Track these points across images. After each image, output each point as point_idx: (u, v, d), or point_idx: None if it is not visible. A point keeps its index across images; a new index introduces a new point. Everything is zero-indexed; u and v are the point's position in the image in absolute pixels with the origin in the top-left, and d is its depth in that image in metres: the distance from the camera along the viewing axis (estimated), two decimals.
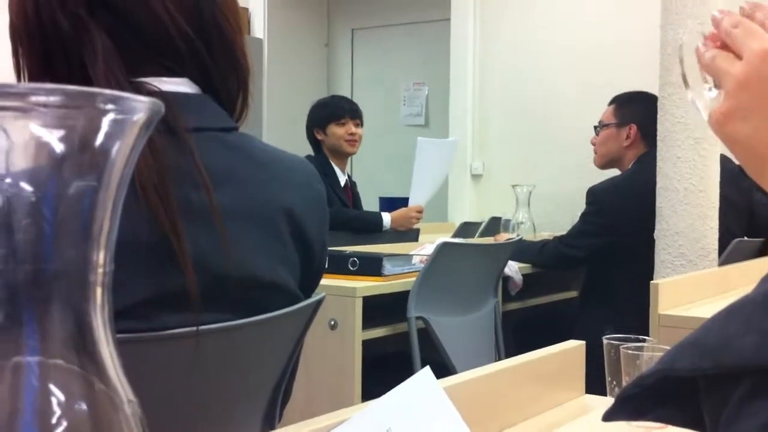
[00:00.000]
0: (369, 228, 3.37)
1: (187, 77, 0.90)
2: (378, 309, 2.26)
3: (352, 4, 5.79)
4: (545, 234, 3.36)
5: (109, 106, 0.36)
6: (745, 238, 2.81)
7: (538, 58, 4.43)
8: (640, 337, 1.05)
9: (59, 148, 0.37)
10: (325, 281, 2.18)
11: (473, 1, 4.64)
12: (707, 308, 1.83)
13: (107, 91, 0.36)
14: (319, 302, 1.03)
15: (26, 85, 0.35)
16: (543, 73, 4.41)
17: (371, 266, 2.26)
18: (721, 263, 2.49)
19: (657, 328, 1.73)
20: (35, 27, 0.87)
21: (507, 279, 2.76)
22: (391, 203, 3.74)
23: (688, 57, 0.67)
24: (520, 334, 3.02)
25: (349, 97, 5.85)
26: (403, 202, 3.81)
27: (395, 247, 2.84)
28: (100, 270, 0.40)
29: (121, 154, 0.39)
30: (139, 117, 0.38)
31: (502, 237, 3.13)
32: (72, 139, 0.37)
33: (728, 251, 2.61)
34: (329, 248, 2.57)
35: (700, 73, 0.65)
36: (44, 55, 0.87)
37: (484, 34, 4.65)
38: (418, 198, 3.50)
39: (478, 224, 3.83)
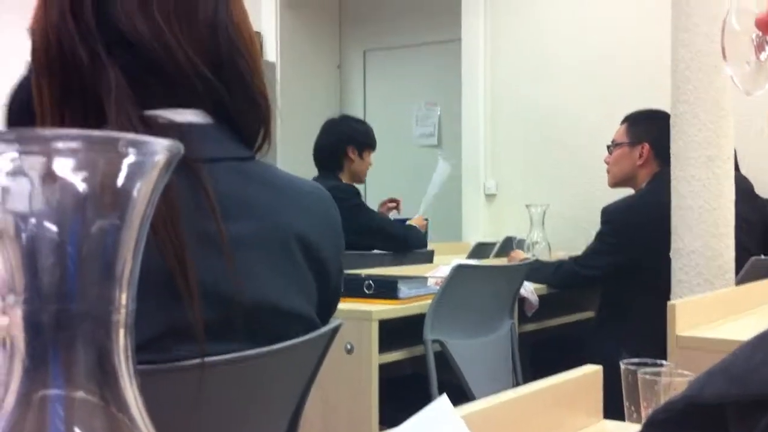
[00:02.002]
0: (408, 243, 3.34)
1: (202, 108, 0.91)
2: (394, 332, 2.25)
3: (364, 26, 5.83)
4: (560, 254, 3.35)
5: (130, 150, 0.37)
6: (762, 256, 2.79)
7: (549, 76, 4.44)
8: (658, 361, 1.04)
9: (82, 189, 0.38)
10: (341, 305, 2.17)
11: (483, 21, 4.66)
12: (725, 328, 1.82)
13: (128, 136, 0.36)
14: (336, 329, 1.03)
15: (50, 131, 0.35)
16: (555, 92, 4.41)
17: (387, 289, 2.26)
18: (738, 282, 2.48)
19: (674, 350, 1.72)
20: (56, 57, 0.88)
21: (523, 300, 2.75)
22: (403, 224, 3.74)
23: (732, 27, 0.66)
24: (536, 355, 3.00)
25: (362, 117, 5.90)
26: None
27: (410, 269, 2.85)
28: (123, 310, 0.40)
29: (143, 194, 0.40)
30: (159, 159, 0.39)
31: (517, 256, 3.12)
32: (94, 181, 0.38)
33: (745, 270, 2.60)
34: (345, 271, 2.57)
35: (739, 49, 0.64)
36: (62, 85, 0.89)
37: (494, 54, 4.67)
38: (424, 210, 3.53)
39: (492, 244, 3.83)
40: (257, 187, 0.93)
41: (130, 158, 0.38)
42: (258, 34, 5.35)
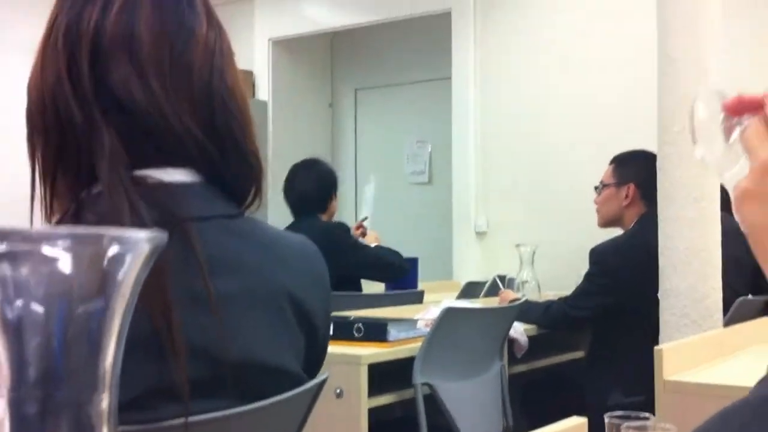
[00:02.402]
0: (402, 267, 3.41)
1: (193, 168, 0.92)
2: (384, 375, 2.25)
3: (356, 65, 5.89)
4: (550, 293, 3.36)
5: (114, 245, 0.38)
6: (750, 296, 2.81)
7: (538, 116, 4.49)
8: (642, 414, 1.05)
9: (69, 278, 0.39)
10: (331, 348, 2.17)
11: (473, 59, 4.72)
12: (713, 371, 1.83)
13: (112, 232, 0.38)
14: (322, 383, 1.04)
15: (38, 231, 0.37)
16: (544, 132, 4.46)
17: (376, 332, 2.27)
18: (726, 323, 2.49)
19: (662, 395, 1.73)
20: (51, 117, 0.90)
21: (512, 341, 2.76)
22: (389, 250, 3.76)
23: (700, 112, 0.67)
24: (527, 396, 3.00)
25: (353, 155, 5.94)
26: (412, 262, 3.83)
27: (400, 311, 2.85)
28: (107, 396, 0.42)
29: (126, 282, 0.42)
30: (143, 250, 0.40)
31: (507, 296, 3.13)
32: (81, 271, 0.40)
33: (732, 311, 2.62)
34: (334, 314, 2.57)
35: (708, 131, 0.66)
36: (57, 144, 0.91)
37: (484, 93, 4.72)
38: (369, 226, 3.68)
39: (482, 284, 3.84)
40: (246, 244, 0.94)
41: (114, 250, 0.40)
42: (250, 73, 5.40)
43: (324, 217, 3.43)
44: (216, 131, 0.93)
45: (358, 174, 5.87)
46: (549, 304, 2.90)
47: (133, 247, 0.40)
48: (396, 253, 3.49)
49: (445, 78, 4.93)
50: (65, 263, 0.39)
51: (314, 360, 1.03)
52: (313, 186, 3.39)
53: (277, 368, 0.93)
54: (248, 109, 0.98)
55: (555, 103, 4.43)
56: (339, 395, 2.16)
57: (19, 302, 0.39)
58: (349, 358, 2.16)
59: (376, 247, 3.50)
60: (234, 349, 0.87)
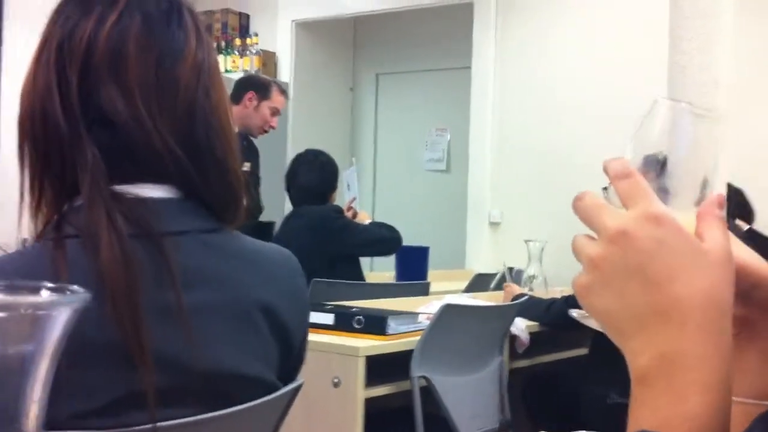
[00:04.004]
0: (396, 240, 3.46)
1: (172, 184, 0.96)
2: (382, 366, 2.29)
3: (378, 50, 5.90)
4: (557, 289, 3.38)
5: (41, 311, 0.42)
6: None
7: (555, 111, 4.48)
8: None
9: (2, 323, 0.43)
10: (330, 339, 2.25)
11: (494, 49, 4.71)
12: None
13: (42, 299, 0.42)
14: (296, 390, 1.07)
15: None
16: (559, 127, 4.45)
17: (376, 325, 2.30)
18: None
19: None
20: (40, 126, 0.94)
21: (514, 337, 2.79)
22: (409, 252, 3.78)
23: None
24: (528, 391, 3.03)
25: (372, 140, 5.96)
26: (422, 252, 3.86)
27: (403, 303, 2.89)
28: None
29: (56, 331, 0.45)
30: (67, 311, 0.44)
31: (512, 290, 3.15)
32: (15, 317, 0.43)
33: None
34: (337, 303, 2.61)
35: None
36: (43, 153, 0.95)
37: (503, 84, 4.71)
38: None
39: (492, 275, 3.86)
40: (222, 257, 0.98)
41: (44, 312, 0.43)
42: (272, 54, 5.43)
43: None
44: (197, 149, 0.96)
45: (377, 159, 5.89)
46: (552, 302, 2.91)
47: (60, 307, 0.43)
48: (387, 227, 3.53)
49: (465, 67, 4.93)
50: (1, 305, 0.42)
51: (290, 368, 1.07)
52: (315, 181, 3.42)
53: (247, 377, 0.97)
54: (231, 127, 1.01)
55: (574, 97, 4.42)
56: (336, 385, 2.20)
57: None
58: (347, 349, 2.21)
59: (369, 224, 3.54)
60: (203, 359, 0.91)
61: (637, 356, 0.55)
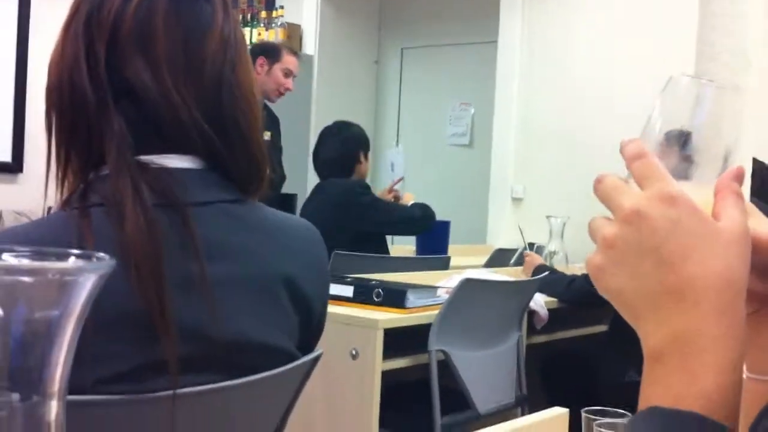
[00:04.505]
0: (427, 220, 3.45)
1: (196, 155, 0.97)
2: (400, 339, 2.32)
3: (403, 23, 5.87)
4: (578, 266, 3.38)
5: (68, 276, 0.44)
6: None
7: (582, 86, 4.44)
8: (620, 411, 1.08)
9: (30, 289, 0.44)
10: (349, 311, 2.27)
11: (521, 24, 4.67)
12: None
13: (69, 265, 0.43)
14: (316, 359, 1.09)
15: (3, 264, 0.42)
16: (587, 102, 4.42)
17: (395, 298, 2.32)
18: None
19: None
20: (67, 97, 0.96)
21: (533, 313, 2.79)
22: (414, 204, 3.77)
23: None
24: (546, 367, 3.05)
25: (396, 114, 5.94)
26: (443, 226, 3.85)
27: (423, 276, 2.90)
28: (55, 402, 0.47)
29: (81, 296, 0.47)
30: (93, 277, 0.45)
31: (533, 260, 3.14)
32: (42, 282, 0.45)
33: None
34: (358, 275, 2.62)
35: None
36: (70, 123, 0.96)
37: (530, 59, 4.68)
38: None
39: (513, 251, 3.86)
40: (245, 229, 0.99)
41: (70, 278, 0.45)
42: (297, 26, 5.42)
43: (355, 176, 3.44)
44: (222, 122, 0.97)
45: (400, 132, 5.88)
46: (572, 279, 2.92)
47: (87, 273, 0.44)
48: (421, 207, 3.50)
49: (491, 41, 4.89)
50: (28, 271, 0.44)
51: (309, 339, 1.08)
52: (336, 152, 3.41)
53: (267, 346, 0.99)
54: (256, 101, 1.03)
55: (600, 74, 4.38)
56: (354, 356, 2.23)
57: None
58: (366, 321, 2.23)
59: (401, 204, 3.52)
60: (225, 329, 0.93)
61: (651, 335, 0.56)
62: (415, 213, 3.46)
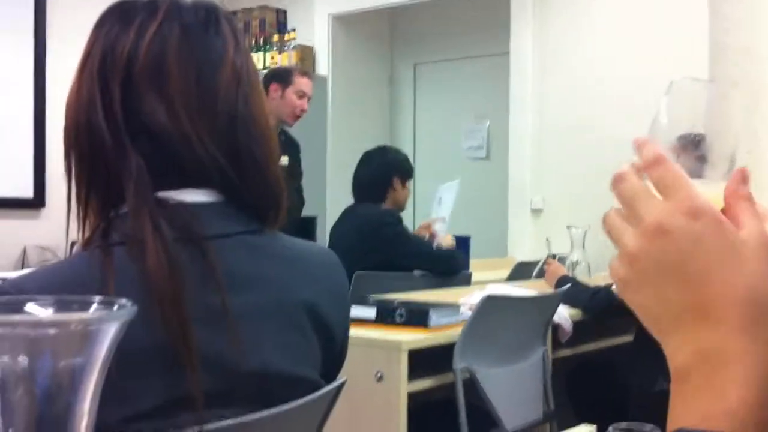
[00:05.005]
0: (453, 266, 3.40)
1: (214, 189, 0.98)
2: (424, 359, 2.31)
3: (415, 40, 5.89)
4: (601, 275, 3.36)
5: (91, 327, 0.44)
6: None
7: (595, 95, 4.44)
8: (648, 426, 1.07)
9: (54, 339, 0.45)
10: (373, 333, 2.27)
11: (532, 35, 4.68)
12: None
13: (91, 316, 0.44)
14: (340, 387, 1.09)
15: (27, 318, 0.43)
16: (600, 112, 4.40)
17: (418, 318, 2.32)
18: None
19: None
20: (85, 137, 0.97)
21: (557, 327, 2.78)
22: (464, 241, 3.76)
23: None
24: (572, 381, 3.02)
25: (412, 130, 5.96)
26: (464, 241, 3.84)
27: (446, 293, 2.89)
28: None
29: (105, 341, 0.47)
30: (116, 325, 0.46)
31: (556, 270, 3.12)
32: (66, 337, 0.45)
33: None
34: (379, 296, 2.62)
35: None
36: (89, 162, 0.98)
37: (542, 69, 4.68)
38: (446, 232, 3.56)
39: (535, 263, 3.84)
40: (265, 259, 1.00)
41: (94, 327, 0.45)
42: (310, 48, 5.46)
43: (385, 205, 3.41)
44: (238, 155, 0.98)
45: (416, 148, 5.89)
46: (596, 291, 2.90)
47: (108, 322, 0.45)
48: (451, 252, 3.44)
49: (503, 53, 4.90)
50: (51, 323, 0.44)
51: (332, 366, 1.09)
52: (368, 173, 3.42)
53: (292, 377, 0.99)
54: (271, 132, 1.03)
55: (614, 80, 4.37)
56: (380, 379, 2.22)
57: (5, 357, 0.45)
58: (390, 343, 2.22)
59: (428, 243, 3.44)
60: (249, 361, 0.93)
61: (676, 353, 0.56)
62: (441, 255, 3.41)
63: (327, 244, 3.62)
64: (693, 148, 0.67)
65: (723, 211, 0.59)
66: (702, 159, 0.66)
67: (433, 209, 3.65)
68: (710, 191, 0.63)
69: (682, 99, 0.67)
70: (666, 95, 0.68)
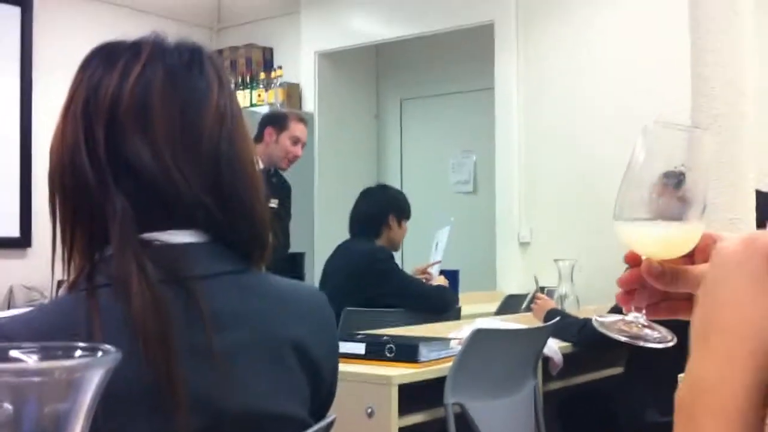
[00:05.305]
0: (443, 304, 3.41)
1: (199, 229, 0.98)
2: (415, 394, 2.30)
3: (401, 75, 5.95)
4: (590, 308, 3.36)
5: (75, 374, 0.44)
6: None
7: (582, 126, 4.48)
8: None
9: (39, 387, 0.45)
10: (362, 368, 2.26)
11: (516, 69, 4.73)
12: None
13: (76, 363, 0.44)
14: (328, 426, 1.09)
15: (12, 366, 0.43)
16: (587, 142, 4.44)
17: (407, 353, 2.31)
18: None
19: None
20: (69, 179, 0.97)
21: (547, 359, 2.77)
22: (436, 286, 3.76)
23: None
24: (563, 414, 3.01)
25: (398, 165, 5.99)
26: (453, 275, 3.85)
27: (435, 328, 2.89)
28: None
29: (90, 388, 0.47)
30: (100, 372, 0.46)
31: (545, 304, 3.12)
32: (51, 384, 0.45)
33: None
34: (369, 331, 2.61)
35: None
36: (73, 204, 0.98)
37: (527, 102, 4.72)
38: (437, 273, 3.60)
39: (523, 296, 3.85)
40: (251, 298, 1.00)
41: (80, 365, 0.46)
42: (296, 85, 5.49)
43: (380, 242, 3.44)
44: (223, 195, 0.98)
45: (403, 183, 5.91)
46: (584, 324, 2.90)
47: (93, 368, 0.45)
48: (442, 290, 3.47)
49: (489, 88, 4.95)
50: (36, 372, 0.44)
51: (321, 404, 1.08)
52: (365, 209, 3.46)
53: (279, 416, 0.98)
54: (256, 172, 1.04)
55: (599, 112, 4.41)
56: (370, 415, 2.21)
57: None
58: (380, 378, 2.21)
59: (418, 281, 3.47)
60: (237, 400, 0.93)
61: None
62: (432, 292, 3.43)
63: (318, 279, 3.64)
64: (673, 188, 0.69)
65: (696, 248, 0.60)
66: (682, 200, 0.68)
67: (431, 255, 3.69)
68: (696, 227, 0.66)
69: (657, 142, 0.70)
70: (642, 136, 0.70)
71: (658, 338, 0.69)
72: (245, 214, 1.00)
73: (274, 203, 3.55)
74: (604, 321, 0.71)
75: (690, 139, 0.70)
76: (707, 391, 0.53)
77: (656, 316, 0.72)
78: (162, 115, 0.96)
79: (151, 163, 0.94)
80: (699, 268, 0.68)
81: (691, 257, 0.70)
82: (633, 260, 0.70)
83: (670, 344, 0.69)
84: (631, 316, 0.69)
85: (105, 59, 0.99)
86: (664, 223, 0.68)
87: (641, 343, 0.69)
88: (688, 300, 0.71)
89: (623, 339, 0.69)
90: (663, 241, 0.68)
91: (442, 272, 3.75)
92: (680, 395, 0.55)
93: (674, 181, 0.70)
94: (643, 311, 0.70)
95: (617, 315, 0.71)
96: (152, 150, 0.95)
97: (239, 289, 1.00)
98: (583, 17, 4.54)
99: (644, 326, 0.69)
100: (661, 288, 0.70)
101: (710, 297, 0.55)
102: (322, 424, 1.07)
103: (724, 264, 0.56)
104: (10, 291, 4.68)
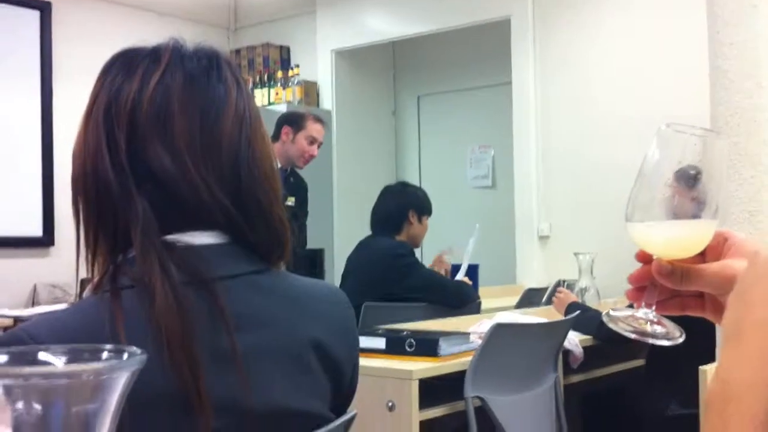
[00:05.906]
0: (462, 298, 3.44)
1: (219, 230, 1.00)
2: (435, 388, 2.31)
3: (418, 72, 5.95)
4: (610, 301, 3.35)
5: (102, 376, 0.46)
6: None
7: (599, 120, 4.46)
8: None
9: (66, 388, 0.47)
10: (383, 363, 2.28)
11: (533, 63, 4.72)
12: None
13: (102, 366, 0.46)
14: (349, 421, 1.10)
15: (40, 370, 0.45)
16: (605, 136, 4.43)
17: (428, 347, 2.33)
18: None
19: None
20: (92, 184, 0.99)
21: (567, 352, 2.78)
22: (459, 270, 3.78)
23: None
24: (585, 406, 3.01)
25: (417, 161, 5.99)
26: (473, 270, 3.85)
27: (455, 322, 2.90)
28: None
29: (116, 389, 0.49)
30: (127, 374, 0.48)
31: (566, 298, 3.12)
32: (78, 386, 0.47)
33: None
34: (389, 326, 2.62)
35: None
36: (96, 208, 1.00)
37: (544, 97, 4.71)
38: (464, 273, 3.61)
39: (543, 290, 3.84)
40: (272, 298, 1.01)
41: (108, 366, 0.47)
42: (314, 83, 5.51)
43: (401, 238, 3.46)
44: (242, 197, 1.00)
45: (422, 179, 5.92)
46: None
47: (119, 371, 0.47)
48: (461, 284, 3.49)
49: (506, 83, 4.94)
50: (63, 374, 0.46)
51: (342, 401, 1.09)
52: (386, 206, 3.49)
53: (301, 413, 1.00)
54: (275, 174, 1.05)
55: (616, 106, 4.40)
56: (391, 408, 2.23)
57: (20, 405, 0.46)
58: (400, 372, 2.23)
59: (438, 275, 3.51)
60: (259, 400, 0.94)
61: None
62: (452, 287, 3.45)
63: (339, 275, 3.68)
64: (689, 188, 0.70)
65: (708, 247, 0.61)
66: (695, 200, 0.69)
67: (463, 262, 3.70)
68: (710, 226, 0.66)
69: (669, 146, 0.70)
70: (656, 140, 0.71)
71: (667, 335, 0.70)
72: (264, 215, 1.02)
73: (290, 201, 3.59)
74: (614, 316, 0.72)
75: (704, 144, 0.70)
76: (736, 396, 0.53)
77: (666, 311, 0.73)
78: (182, 121, 0.98)
79: (172, 167, 0.96)
80: (710, 268, 0.69)
81: (702, 256, 0.71)
82: (644, 258, 0.71)
83: (679, 341, 0.70)
84: (641, 312, 0.70)
85: (125, 65, 1.01)
86: (677, 224, 0.68)
87: (649, 341, 0.70)
88: (698, 297, 0.72)
89: (631, 336, 0.70)
90: (675, 241, 0.68)
91: (461, 267, 3.76)
92: (711, 394, 0.55)
93: (687, 181, 0.71)
94: (653, 307, 0.70)
95: (628, 310, 0.72)
96: (172, 155, 0.96)
97: (260, 289, 1.01)
98: (599, 12, 4.52)
99: (654, 322, 0.70)
100: (671, 286, 0.70)
101: (745, 296, 0.55)
102: (344, 419, 1.08)
103: (760, 265, 0.56)
104: (34, 289, 4.75)
